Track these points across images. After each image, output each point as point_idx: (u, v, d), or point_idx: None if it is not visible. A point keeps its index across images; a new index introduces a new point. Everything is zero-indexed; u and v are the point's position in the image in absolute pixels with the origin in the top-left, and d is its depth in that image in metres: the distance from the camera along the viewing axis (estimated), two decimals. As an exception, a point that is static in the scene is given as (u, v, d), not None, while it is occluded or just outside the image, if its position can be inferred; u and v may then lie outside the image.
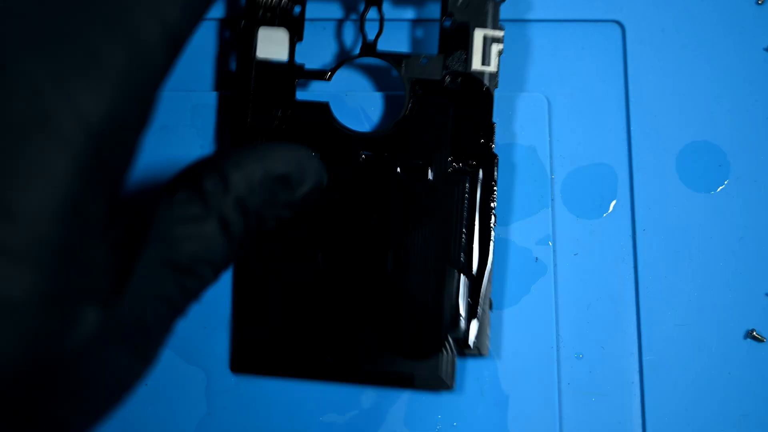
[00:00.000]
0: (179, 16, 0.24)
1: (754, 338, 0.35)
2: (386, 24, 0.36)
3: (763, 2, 0.36)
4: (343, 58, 0.36)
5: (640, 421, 0.34)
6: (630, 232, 0.36)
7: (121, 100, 0.22)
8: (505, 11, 0.36)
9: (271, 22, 0.35)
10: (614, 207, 0.36)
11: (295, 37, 0.35)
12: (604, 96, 0.36)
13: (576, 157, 0.36)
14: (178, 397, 0.34)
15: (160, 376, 0.34)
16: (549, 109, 0.36)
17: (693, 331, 0.35)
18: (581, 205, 0.36)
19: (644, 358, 0.35)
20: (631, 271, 0.35)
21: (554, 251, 0.35)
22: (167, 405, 0.34)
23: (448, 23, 0.35)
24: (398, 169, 0.34)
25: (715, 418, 0.34)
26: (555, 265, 0.35)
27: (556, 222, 0.36)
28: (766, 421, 0.34)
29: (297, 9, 0.35)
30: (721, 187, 0.36)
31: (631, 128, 0.36)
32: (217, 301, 0.35)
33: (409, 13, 0.37)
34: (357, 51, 0.35)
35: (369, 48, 0.35)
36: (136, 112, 0.23)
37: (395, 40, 0.37)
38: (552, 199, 0.36)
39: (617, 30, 0.37)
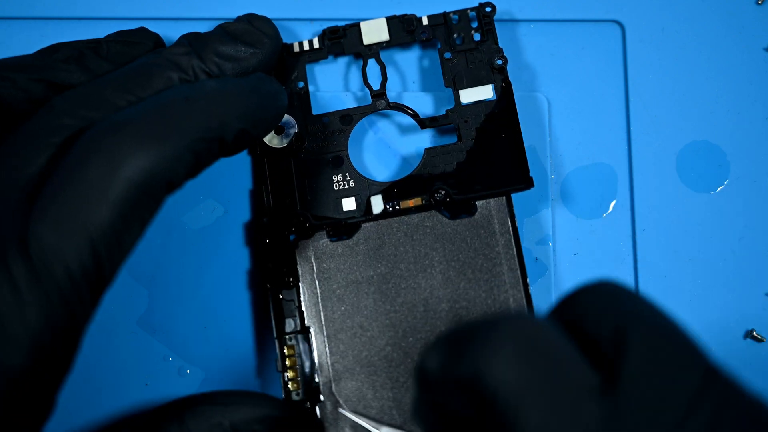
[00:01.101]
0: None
1: (754, 338, 0.35)
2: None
3: (763, 2, 0.36)
4: (355, 114, 0.35)
5: (640, 421, 0.34)
6: (630, 232, 0.36)
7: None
8: (505, 11, 0.36)
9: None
10: (614, 207, 0.36)
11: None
12: (604, 96, 0.36)
13: (576, 157, 0.36)
14: (177, 396, 0.34)
15: (160, 376, 0.34)
16: (549, 109, 0.36)
17: (693, 330, 0.35)
18: (581, 205, 0.36)
19: (644, 358, 0.35)
20: (631, 271, 0.35)
21: (554, 251, 0.35)
22: (167, 405, 0.34)
23: (448, 55, 0.35)
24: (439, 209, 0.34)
25: (715, 418, 0.34)
26: (555, 265, 0.35)
27: (556, 222, 0.36)
28: (766, 421, 0.34)
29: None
30: (721, 187, 0.36)
31: (631, 128, 0.36)
32: (217, 301, 0.35)
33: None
34: (366, 99, 0.36)
35: (378, 96, 0.35)
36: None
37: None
38: (552, 199, 0.36)
39: (617, 30, 0.37)
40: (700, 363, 0.22)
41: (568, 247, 0.35)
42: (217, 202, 0.35)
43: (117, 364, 0.34)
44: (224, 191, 0.35)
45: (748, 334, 0.35)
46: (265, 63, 0.31)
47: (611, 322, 0.22)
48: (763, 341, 0.35)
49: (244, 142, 0.29)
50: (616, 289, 0.24)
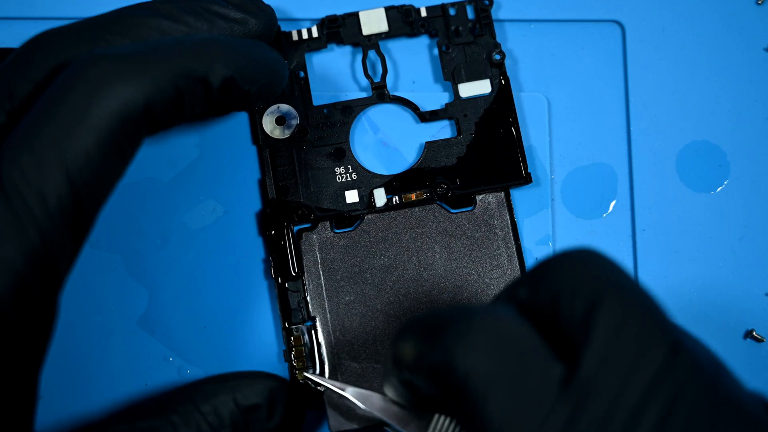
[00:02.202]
0: None
1: (754, 338, 0.35)
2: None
3: (763, 2, 0.36)
4: (356, 106, 0.35)
5: (640, 421, 0.34)
6: (630, 232, 0.36)
7: None
8: (505, 11, 0.36)
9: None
10: (614, 207, 0.36)
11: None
12: (604, 96, 0.36)
13: (576, 157, 0.36)
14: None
15: (159, 376, 0.34)
16: (549, 109, 0.36)
17: (693, 331, 0.35)
18: (581, 205, 0.36)
19: (644, 358, 0.35)
20: (632, 271, 0.35)
21: (554, 251, 0.35)
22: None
23: (445, 48, 0.35)
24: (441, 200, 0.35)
25: (715, 418, 0.34)
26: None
27: (556, 222, 0.36)
28: (766, 421, 0.34)
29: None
30: (721, 187, 0.36)
31: (631, 128, 0.36)
32: (217, 301, 0.35)
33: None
34: (366, 90, 0.36)
35: (379, 89, 0.35)
36: None
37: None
38: (552, 199, 0.36)
39: (617, 30, 0.37)
40: (666, 338, 0.23)
41: (568, 247, 0.35)
42: (217, 202, 0.35)
43: (117, 364, 0.34)
44: (224, 191, 0.35)
45: (748, 334, 0.35)
46: (259, 34, 0.31)
47: (579, 304, 0.23)
48: (763, 341, 0.35)
49: (233, 93, 0.28)
50: (585, 261, 0.24)
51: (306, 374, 0.33)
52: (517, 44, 0.36)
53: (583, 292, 0.23)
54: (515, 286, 0.25)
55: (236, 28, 0.31)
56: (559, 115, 0.36)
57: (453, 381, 0.23)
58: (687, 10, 0.37)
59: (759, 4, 0.36)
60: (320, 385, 0.33)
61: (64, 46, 0.28)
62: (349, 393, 0.30)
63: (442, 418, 0.26)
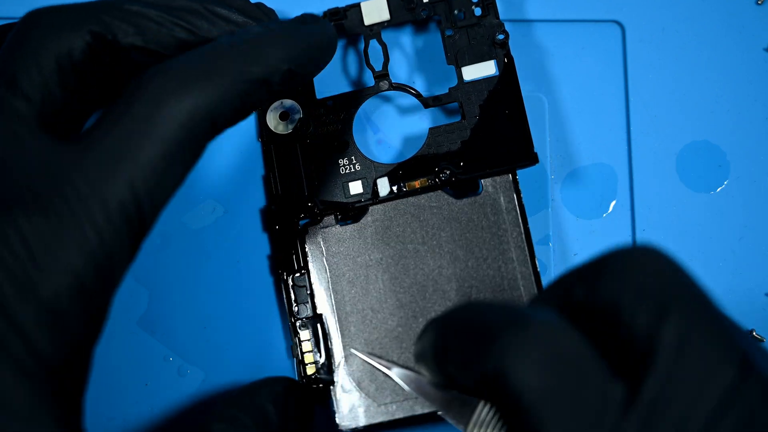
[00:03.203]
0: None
1: (754, 338, 0.35)
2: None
3: (763, 2, 0.36)
4: (357, 97, 0.35)
5: (640, 421, 0.34)
6: (630, 232, 0.36)
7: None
8: (505, 11, 0.36)
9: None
10: (614, 207, 0.36)
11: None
12: (604, 96, 0.36)
13: (576, 157, 0.36)
14: (178, 396, 0.34)
15: (160, 376, 0.34)
16: (549, 109, 0.36)
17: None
18: (581, 205, 0.36)
19: (644, 358, 0.35)
20: (631, 271, 0.35)
21: (554, 251, 0.35)
22: (167, 404, 0.34)
23: (450, 32, 0.35)
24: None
25: (715, 418, 0.34)
26: (555, 265, 0.35)
27: (556, 222, 0.36)
28: (766, 421, 0.34)
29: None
30: (721, 188, 0.36)
31: (631, 128, 0.36)
32: (217, 302, 0.35)
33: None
34: (368, 81, 0.36)
35: (381, 77, 0.35)
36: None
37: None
38: (552, 199, 0.36)
39: (617, 30, 0.37)
40: (734, 357, 0.22)
41: (568, 247, 0.35)
42: (217, 202, 0.35)
43: (117, 364, 0.34)
44: (224, 191, 0.35)
45: (748, 334, 0.35)
46: None
47: (644, 315, 0.22)
48: (763, 341, 0.35)
49: (293, 81, 0.29)
50: (651, 263, 0.23)
51: (353, 350, 0.33)
52: (517, 44, 0.36)
53: (649, 301, 0.22)
54: (569, 283, 0.24)
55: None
56: (559, 115, 0.36)
57: (505, 390, 0.23)
58: (687, 10, 0.37)
59: (759, 4, 0.36)
60: (366, 362, 0.33)
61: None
62: (394, 373, 0.30)
63: (487, 407, 0.25)
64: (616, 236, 0.36)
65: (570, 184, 0.36)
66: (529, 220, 0.35)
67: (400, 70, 0.36)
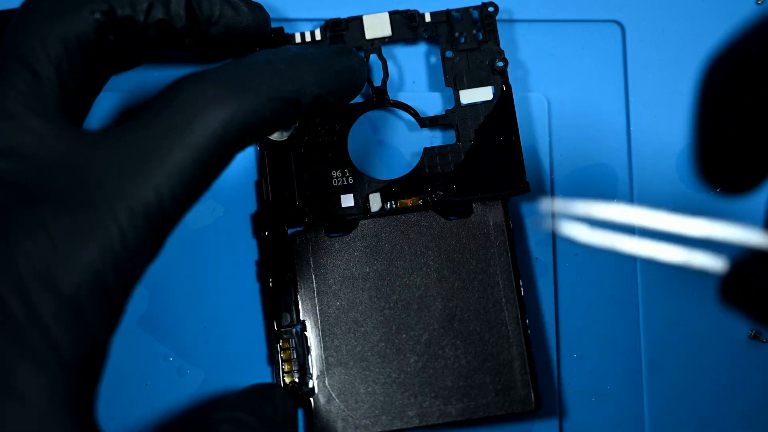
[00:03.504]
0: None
1: (758, 339, 0.35)
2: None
3: (763, 2, 0.36)
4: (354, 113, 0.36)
5: (640, 421, 0.34)
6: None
7: None
8: (505, 11, 0.36)
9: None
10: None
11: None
12: (604, 96, 0.36)
13: (576, 157, 0.36)
14: (178, 396, 0.34)
15: (160, 376, 0.34)
16: (549, 109, 0.36)
17: (695, 331, 0.35)
18: (581, 205, 0.36)
19: (645, 358, 0.35)
20: (632, 271, 0.35)
21: (554, 251, 0.35)
22: (167, 404, 0.34)
23: (450, 54, 0.35)
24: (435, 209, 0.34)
25: (717, 418, 0.34)
26: (555, 265, 0.35)
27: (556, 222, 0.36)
28: None
29: None
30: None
31: (631, 128, 0.36)
32: (217, 301, 0.35)
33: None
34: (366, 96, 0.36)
35: (379, 93, 0.35)
36: None
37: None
38: (552, 200, 0.36)
39: (617, 30, 0.37)
40: None
41: (569, 247, 0.35)
42: (217, 202, 0.35)
43: (117, 364, 0.34)
44: (224, 191, 0.35)
45: (752, 335, 0.35)
46: (250, 26, 0.32)
47: None
48: (766, 342, 0.35)
49: (321, 107, 0.29)
50: None
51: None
52: (517, 44, 0.36)
53: None
54: None
55: (228, 11, 0.31)
56: (559, 115, 0.36)
57: None
58: (687, 10, 0.37)
59: (759, 4, 0.36)
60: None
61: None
62: None
63: None
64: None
65: (570, 184, 0.36)
66: (530, 220, 0.35)
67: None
